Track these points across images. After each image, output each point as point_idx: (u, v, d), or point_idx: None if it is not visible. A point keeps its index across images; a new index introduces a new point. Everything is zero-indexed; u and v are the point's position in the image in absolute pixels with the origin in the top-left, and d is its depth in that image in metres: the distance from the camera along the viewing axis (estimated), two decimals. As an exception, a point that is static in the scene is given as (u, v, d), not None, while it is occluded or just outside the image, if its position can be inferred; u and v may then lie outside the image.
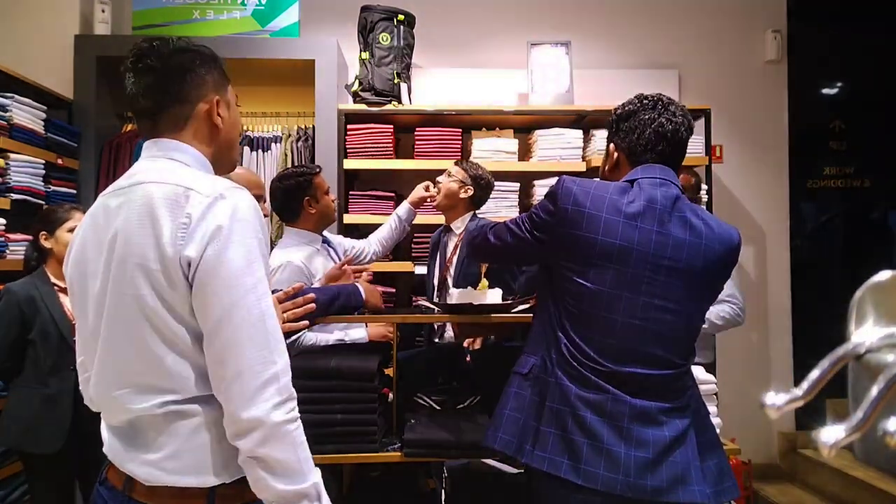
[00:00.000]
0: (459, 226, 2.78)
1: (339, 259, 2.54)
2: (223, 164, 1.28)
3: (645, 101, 1.52)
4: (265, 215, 2.03)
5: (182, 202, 1.08)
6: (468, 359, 2.34)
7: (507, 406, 1.48)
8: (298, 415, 1.12)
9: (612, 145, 1.57)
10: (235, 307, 1.07)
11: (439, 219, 3.43)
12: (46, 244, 2.47)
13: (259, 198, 2.06)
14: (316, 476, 1.13)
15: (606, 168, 1.61)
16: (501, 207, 3.57)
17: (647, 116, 1.50)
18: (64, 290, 2.41)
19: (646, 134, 1.49)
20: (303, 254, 2.33)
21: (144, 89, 1.18)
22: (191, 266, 1.07)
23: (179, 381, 1.10)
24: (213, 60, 1.24)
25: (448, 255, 2.80)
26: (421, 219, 3.49)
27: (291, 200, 2.41)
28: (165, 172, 1.14)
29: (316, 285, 2.17)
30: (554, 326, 1.46)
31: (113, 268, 1.10)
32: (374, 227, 3.49)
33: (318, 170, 2.50)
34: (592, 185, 1.44)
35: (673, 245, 1.40)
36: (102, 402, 1.17)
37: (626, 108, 1.54)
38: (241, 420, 1.06)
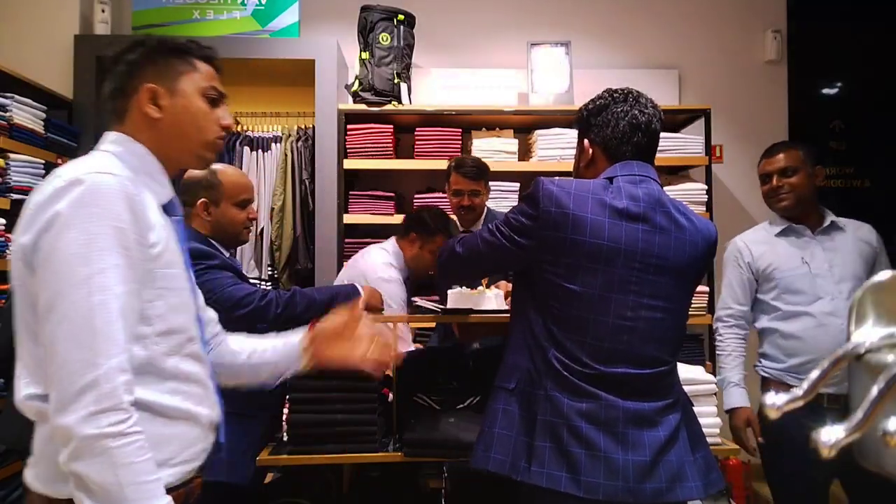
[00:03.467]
0: (480, 224, 2.83)
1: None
2: (179, 156, 1.22)
3: (616, 95, 1.50)
4: (251, 218, 2.06)
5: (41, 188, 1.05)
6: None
7: (496, 424, 1.42)
8: (130, 430, 0.97)
9: (586, 141, 1.53)
10: (59, 299, 0.97)
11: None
12: None
13: (248, 201, 2.05)
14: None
15: (582, 164, 1.56)
16: (501, 207, 3.57)
17: (619, 109, 1.48)
18: None
19: (620, 126, 1.47)
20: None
21: (105, 89, 1.20)
22: (32, 254, 1.01)
23: (42, 375, 1.02)
24: (158, 50, 1.20)
25: None
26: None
27: (411, 225, 2.75)
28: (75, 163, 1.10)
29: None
30: (536, 335, 1.41)
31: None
32: (374, 227, 3.51)
33: (449, 232, 2.68)
34: (573, 185, 1.41)
35: (659, 243, 1.39)
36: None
37: (597, 103, 1.51)
38: (55, 427, 0.96)
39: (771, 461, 2.22)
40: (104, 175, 1.04)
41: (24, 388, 1.05)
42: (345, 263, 3.08)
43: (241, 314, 1.80)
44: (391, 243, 2.79)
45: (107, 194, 1.03)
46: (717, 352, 2.36)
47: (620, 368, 1.37)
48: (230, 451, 1.83)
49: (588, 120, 1.53)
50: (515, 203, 3.60)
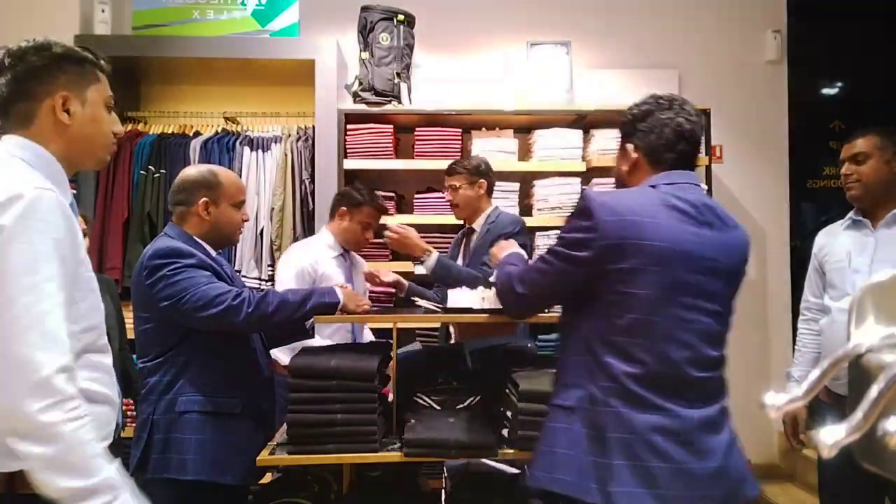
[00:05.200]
0: (482, 222, 2.82)
1: (352, 273, 2.80)
2: (82, 160, 1.31)
3: (661, 101, 1.51)
4: (245, 220, 2.08)
5: None
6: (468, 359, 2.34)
7: (557, 444, 1.38)
8: (82, 414, 1.12)
9: (630, 146, 1.52)
10: (10, 305, 1.09)
11: (442, 219, 3.44)
12: None
13: (243, 202, 2.06)
14: (106, 471, 1.13)
15: (625, 169, 1.55)
16: (501, 207, 3.57)
17: (664, 116, 1.48)
18: None
19: (665, 133, 1.47)
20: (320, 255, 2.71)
21: (1, 87, 1.23)
22: None
23: None
24: (68, 58, 1.26)
25: (471, 253, 2.83)
26: (421, 219, 3.50)
27: (336, 202, 2.83)
28: None
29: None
30: (596, 351, 1.39)
31: None
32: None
33: (375, 203, 2.79)
34: (620, 194, 1.45)
35: (710, 245, 1.40)
36: None
37: (643, 108, 1.52)
38: (15, 416, 1.08)
39: (823, 475, 2.21)
40: (43, 191, 1.15)
41: None
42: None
43: (214, 313, 1.81)
44: (322, 231, 2.89)
45: (47, 209, 1.14)
46: (796, 345, 2.36)
47: (685, 372, 1.37)
48: (213, 451, 1.84)
49: (633, 125, 1.53)
50: (515, 203, 3.61)
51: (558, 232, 1.65)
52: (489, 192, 2.86)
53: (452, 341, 2.81)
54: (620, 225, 1.36)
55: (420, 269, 2.69)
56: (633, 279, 1.36)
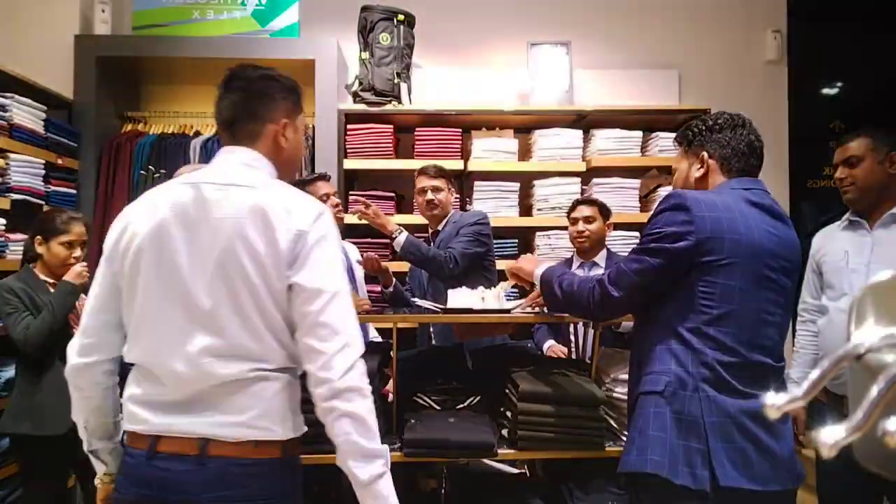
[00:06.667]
0: (445, 224, 2.92)
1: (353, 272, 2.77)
2: (281, 178, 1.43)
3: (735, 118, 1.63)
4: None
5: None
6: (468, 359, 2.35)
7: (650, 427, 1.45)
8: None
9: (704, 153, 1.63)
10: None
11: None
12: (39, 249, 2.44)
13: None
14: None
15: (695, 175, 1.64)
16: (501, 207, 3.57)
17: (739, 132, 1.61)
18: (54, 285, 2.41)
19: (741, 146, 1.60)
20: None
21: (227, 105, 1.38)
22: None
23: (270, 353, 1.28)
24: (290, 90, 1.42)
25: None
26: (421, 219, 3.50)
27: None
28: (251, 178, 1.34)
29: None
30: (687, 340, 1.46)
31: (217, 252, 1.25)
32: (374, 227, 3.49)
33: (314, 176, 2.74)
34: (706, 193, 1.54)
35: (783, 243, 1.51)
36: (175, 370, 1.25)
37: (718, 122, 1.63)
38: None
39: (822, 475, 2.20)
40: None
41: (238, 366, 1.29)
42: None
43: None
44: None
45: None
46: (794, 346, 2.36)
47: (768, 361, 1.48)
48: None
49: (708, 134, 1.64)
50: (515, 203, 3.61)
51: (638, 234, 1.70)
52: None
53: (434, 342, 2.82)
54: (714, 219, 1.45)
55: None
56: (724, 271, 1.45)
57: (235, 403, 1.26)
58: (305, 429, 1.35)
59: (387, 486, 1.27)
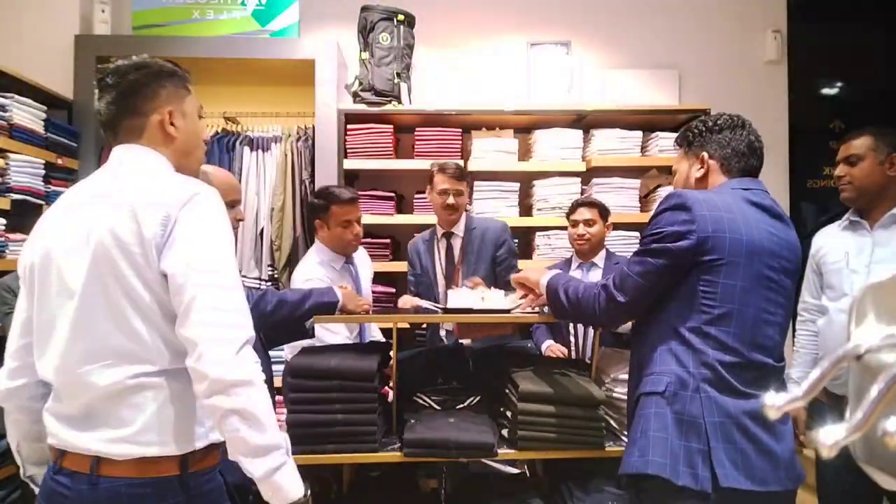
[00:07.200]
0: (461, 226, 2.86)
1: (359, 280, 2.70)
2: (183, 167, 1.37)
3: (734, 119, 1.64)
4: (239, 220, 2.07)
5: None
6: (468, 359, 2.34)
7: (651, 428, 1.45)
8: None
9: (705, 154, 1.63)
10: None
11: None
12: None
13: (237, 202, 2.05)
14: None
15: (695, 175, 1.65)
16: (501, 207, 3.57)
17: (739, 133, 1.62)
18: None
19: (741, 147, 1.61)
20: (322, 272, 2.54)
21: (106, 105, 1.31)
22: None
23: (153, 353, 1.20)
24: (169, 75, 1.35)
25: (457, 256, 2.83)
26: (421, 219, 3.50)
27: (309, 218, 2.72)
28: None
29: None
30: (688, 340, 1.46)
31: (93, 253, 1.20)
32: (374, 227, 3.50)
33: (340, 199, 2.59)
34: (706, 193, 1.54)
35: (784, 245, 1.51)
36: (65, 382, 1.21)
37: (718, 123, 1.64)
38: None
39: (822, 475, 2.20)
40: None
41: (119, 373, 1.22)
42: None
43: None
44: (316, 245, 2.77)
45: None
46: (794, 346, 2.35)
47: (769, 362, 1.47)
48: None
49: (708, 135, 1.64)
50: (515, 203, 3.60)
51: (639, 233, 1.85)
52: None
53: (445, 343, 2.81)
54: (715, 218, 1.45)
55: None
56: (725, 271, 1.45)
57: (121, 416, 1.18)
58: (215, 439, 1.24)
59: (285, 477, 1.20)
